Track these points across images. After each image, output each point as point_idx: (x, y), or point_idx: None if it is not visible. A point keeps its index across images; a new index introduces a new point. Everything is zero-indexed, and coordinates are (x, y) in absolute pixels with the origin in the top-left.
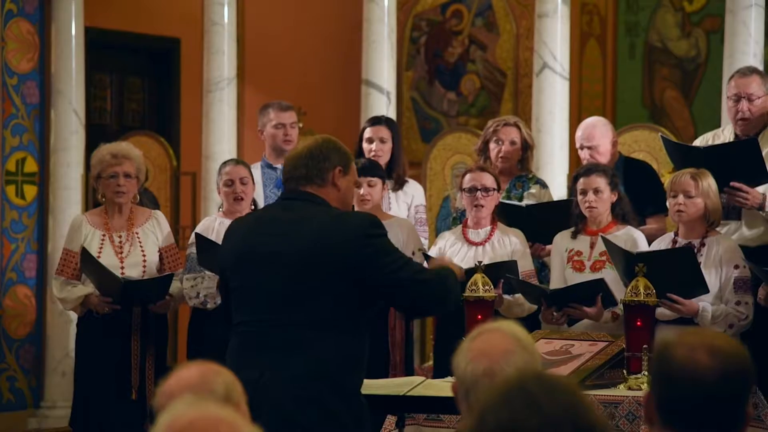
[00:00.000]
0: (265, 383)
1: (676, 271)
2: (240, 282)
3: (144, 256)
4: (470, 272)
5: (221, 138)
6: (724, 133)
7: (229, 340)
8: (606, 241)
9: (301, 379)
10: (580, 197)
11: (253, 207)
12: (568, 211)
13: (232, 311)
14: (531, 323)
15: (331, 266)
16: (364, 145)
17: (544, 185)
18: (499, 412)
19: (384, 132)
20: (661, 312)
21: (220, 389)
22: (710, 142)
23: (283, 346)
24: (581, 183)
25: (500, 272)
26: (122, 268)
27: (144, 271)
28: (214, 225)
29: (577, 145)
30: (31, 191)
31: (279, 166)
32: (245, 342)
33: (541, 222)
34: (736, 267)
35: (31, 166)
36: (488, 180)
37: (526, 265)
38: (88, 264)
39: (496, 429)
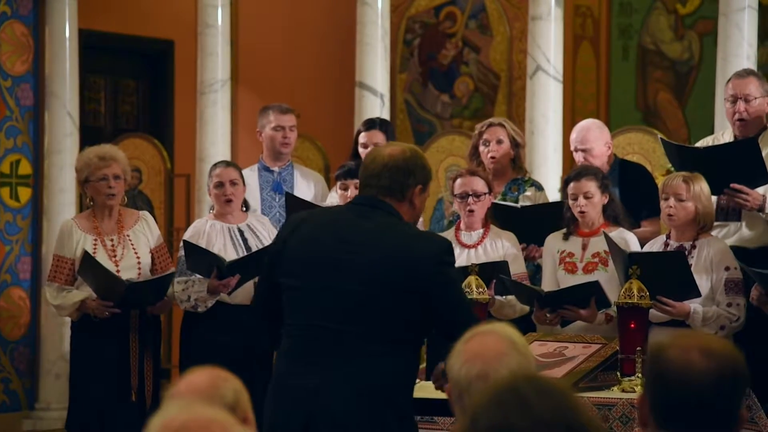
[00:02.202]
0: (321, 392)
1: (668, 274)
2: (301, 283)
3: (138, 258)
4: (463, 273)
5: (215, 140)
6: (724, 137)
7: (282, 340)
8: (608, 240)
9: (358, 392)
10: (571, 202)
11: (244, 209)
12: (561, 212)
13: (283, 308)
14: (525, 325)
15: (401, 284)
16: (360, 149)
17: (539, 188)
18: (492, 414)
19: (379, 137)
20: (655, 314)
21: (229, 395)
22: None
23: (343, 357)
24: (572, 188)
25: (492, 272)
26: (117, 271)
27: (139, 273)
28: (205, 227)
29: (572, 148)
30: (25, 193)
31: (276, 169)
32: (301, 347)
33: (535, 223)
34: (727, 269)
35: (25, 168)
36: (479, 184)
37: (518, 269)
38: (89, 268)
39: (489, 431)
